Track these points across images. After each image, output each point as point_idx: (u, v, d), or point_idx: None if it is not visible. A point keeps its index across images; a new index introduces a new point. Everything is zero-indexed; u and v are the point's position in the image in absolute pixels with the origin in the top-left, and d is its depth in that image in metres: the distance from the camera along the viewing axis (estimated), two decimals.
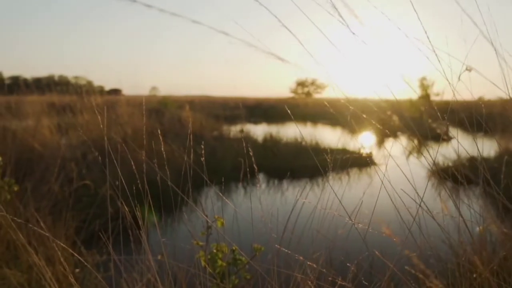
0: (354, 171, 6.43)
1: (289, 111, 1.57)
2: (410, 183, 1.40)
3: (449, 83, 1.28)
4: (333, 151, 1.58)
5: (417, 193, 1.36)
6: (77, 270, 2.37)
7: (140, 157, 1.43)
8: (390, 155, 1.46)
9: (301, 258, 1.36)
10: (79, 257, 1.42)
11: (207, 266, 1.35)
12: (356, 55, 1.28)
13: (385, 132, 1.56)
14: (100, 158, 1.69)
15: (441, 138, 1.62)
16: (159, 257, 1.34)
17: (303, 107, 21.97)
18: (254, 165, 1.57)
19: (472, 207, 1.59)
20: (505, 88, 1.34)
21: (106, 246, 1.35)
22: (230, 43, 0.99)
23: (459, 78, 1.23)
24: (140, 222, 1.31)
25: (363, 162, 6.53)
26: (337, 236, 1.53)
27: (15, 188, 2.57)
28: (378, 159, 5.97)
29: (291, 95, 50.31)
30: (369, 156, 6.53)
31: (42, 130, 5.11)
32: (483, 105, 1.52)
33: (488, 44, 1.27)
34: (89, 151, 4.62)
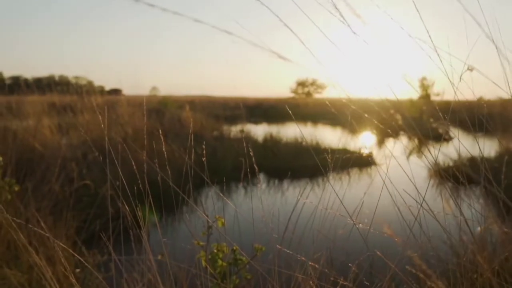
0: (355, 171, 6.42)
1: (290, 111, 1.57)
2: (412, 183, 1.40)
3: (451, 82, 1.27)
4: (333, 151, 1.58)
5: (418, 192, 1.36)
6: (77, 270, 2.37)
7: (141, 157, 1.42)
8: (392, 154, 1.46)
9: (302, 258, 1.36)
10: (80, 258, 1.41)
11: (207, 266, 1.35)
12: (357, 55, 1.28)
13: (386, 132, 1.56)
14: (100, 158, 1.69)
15: (443, 138, 1.62)
16: (159, 257, 1.34)
17: (303, 107, 21.97)
18: (255, 165, 1.57)
19: (473, 207, 1.59)
20: (506, 88, 1.33)
21: (107, 246, 1.35)
22: (233, 42, 0.99)
23: (460, 77, 1.22)
24: (141, 222, 1.31)
25: (363, 162, 6.53)
26: (338, 236, 1.53)
27: (16, 188, 2.57)
28: (379, 159, 5.97)
29: (292, 95, 50.37)
30: (370, 156, 6.52)
31: (43, 130, 5.11)
32: (485, 105, 1.52)
33: (489, 43, 1.26)
34: (89, 151, 4.62)
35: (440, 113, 1.47)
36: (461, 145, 1.47)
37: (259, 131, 9.60)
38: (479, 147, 1.44)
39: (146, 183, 1.32)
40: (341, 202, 1.38)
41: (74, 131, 5.76)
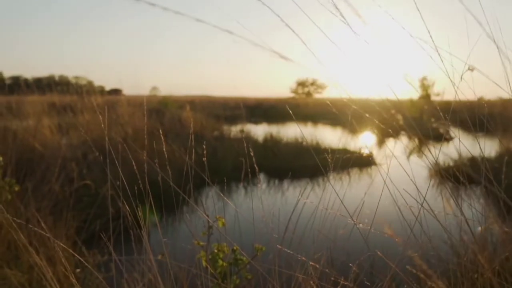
0: (355, 171, 6.42)
1: (291, 111, 1.57)
2: (413, 182, 1.40)
3: (452, 82, 1.27)
4: (334, 151, 1.58)
5: (419, 192, 1.36)
6: (78, 270, 2.37)
7: (141, 157, 1.42)
8: (393, 154, 1.46)
9: (303, 258, 1.36)
10: (80, 258, 1.41)
11: (208, 266, 1.35)
12: (358, 55, 1.28)
13: (387, 132, 1.56)
14: (101, 158, 1.69)
15: (443, 137, 1.62)
16: (159, 257, 1.33)
17: (303, 107, 21.97)
18: (255, 165, 1.57)
19: (473, 206, 1.59)
20: (507, 87, 1.33)
21: (107, 246, 1.35)
22: (234, 42, 0.99)
23: (461, 77, 1.22)
24: (141, 222, 1.31)
25: (364, 162, 6.54)
26: (338, 236, 1.53)
27: (16, 188, 2.57)
28: (379, 159, 5.97)
29: (292, 95, 50.36)
30: (370, 156, 6.52)
31: (43, 130, 5.11)
32: (486, 105, 1.52)
33: (489, 43, 1.26)
34: (89, 151, 4.62)
35: (441, 113, 1.47)
36: (462, 145, 1.47)
37: (259, 131, 9.60)
38: (480, 147, 1.44)
39: (147, 183, 1.32)
40: (341, 202, 1.38)
41: (74, 131, 5.76)
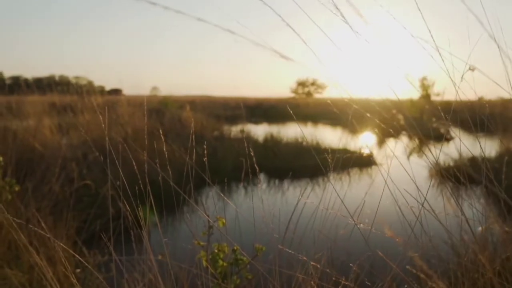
0: (355, 171, 6.42)
1: (291, 111, 1.57)
2: (414, 182, 1.40)
3: (453, 82, 1.27)
4: (334, 151, 1.58)
5: (420, 192, 1.36)
6: (78, 270, 2.37)
7: (141, 157, 1.42)
8: (394, 154, 1.46)
9: (304, 258, 1.36)
10: (80, 258, 1.41)
11: (208, 266, 1.35)
12: (358, 54, 1.27)
13: (387, 132, 1.55)
14: (101, 158, 1.69)
15: (444, 137, 1.61)
16: (159, 256, 1.33)
17: (303, 107, 21.96)
18: (255, 165, 1.57)
19: (474, 206, 1.58)
20: (508, 87, 1.33)
21: (107, 246, 1.35)
22: (235, 41, 0.99)
23: (462, 77, 1.22)
24: (142, 222, 1.31)
25: (364, 162, 6.53)
26: (339, 236, 1.52)
27: (16, 188, 2.57)
28: (380, 159, 5.97)
29: (292, 95, 50.34)
30: (371, 155, 6.52)
31: (43, 130, 5.11)
32: (487, 105, 1.52)
33: (489, 43, 1.26)
34: (90, 151, 4.62)
35: (442, 113, 1.47)
36: (462, 145, 1.46)
37: (260, 131, 9.60)
38: (480, 147, 1.44)
39: (147, 183, 1.32)
40: (342, 202, 1.38)
41: (74, 131, 5.76)
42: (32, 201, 2.95)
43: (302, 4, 1.19)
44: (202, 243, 1.38)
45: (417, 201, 1.35)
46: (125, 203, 1.35)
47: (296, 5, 1.17)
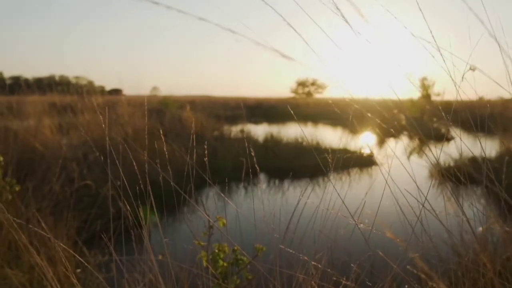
0: (356, 171, 6.42)
1: (292, 111, 1.57)
2: (415, 182, 1.40)
3: (454, 82, 1.27)
4: (334, 151, 1.58)
5: (421, 192, 1.36)
6: (78, 270, 2.37)
7: (142, 157, 1.42)
8: (394, 154, 1.46)
9: (305, 258, 1.36)
10: (81, 258, 1.41)
11: (209, 266, 1.35)
12: (359, 54, 1.27)
13: (387, 132, 1.55)
14: (101, 158, 1.69)
15: (445, 137, 1.61)
16: (160, 257, 1.33)
17: (304, 107, 21.96)
18: (256, 165, 1.57)
19: (475, 206, 1.58)
20: (509, 87, 1.33)
21: (108, 246, 1.35)
22: (237, 41, 0.98)
23: (462, 77, 1.22)
24: (142, 222, 1.31)
25: (365, 161, 6.53)
26: (339, 236, 1.52)
27: (17, 188, 2.57)
28: (380, 159, 5.96)
29: (292, 95, 50.34)
30: (371, 155, 6.52)
31: (43, 130, 5.11)
32: (488, 105, 1.51)
33: (490, 43, 1.26)
34: (90, 151, 4.62)
35: (442, 113, 1.46)
36: (463, 145, 1.46)
37: (260, 131, 9.60)
38: (481, 147, 1.44)
39: (148, 183, 1.32)
40: (343, 202, 1.38)
41: (74, 131, 5.76)
42: (32, 201, 2.95)
43: (302, 3, 1.19)
44: (202, 243, 1.38)
45: (418, 200, 1.34)
46: (126, 203, 1.35)
47: (296, 4, 1.17)
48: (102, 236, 1.47)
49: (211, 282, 1.33)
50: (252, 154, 1.53)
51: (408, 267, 1.42)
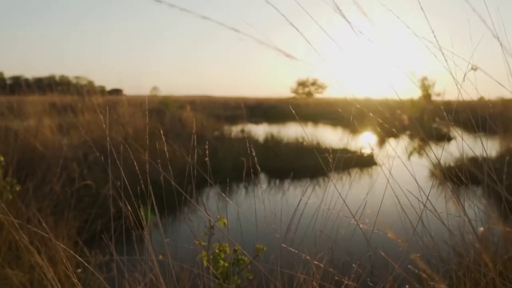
0: (356, 171, 6.41)
1: (293, 111, 1.57)
2: (416, 182, 1.40)
3: (456, 81, 1.27)
4: (335, 151, 1.57)
5: (423, 192, 1.36)
6: (79, 270, 2.37)
7: (142, 157, 1.42)
8: (396, 154, 1.45)
9: (308, 257, 1.35)
10: (81, 258, 1.41)
11: (209, 266, 1.35)
12: (361, 54, 1.27)
13: (388, 132, 1.55)
14: (102, 158, 1.69)
15: (446, 137, 1.61)
16: (160, 257, 1.33)
17: (304, 107, 21.97)
18: (257, 165, 1.56)
19: (476, 205, 1.58)
20: (510, 87, 1.33)
21: (108, 246, 1.35)
22: (240, 40, 0.98)
23: (464, 77, 1.22)
24: (143, 222, 1.30)
25: (365, 162, 6.53)
26: (340, 236, 1.52)
27: (17, 188, 2.57)
28: (381, 159, 5.96)
29: (292, 95, 50.34)
30: (372, 155, 6.52)
31: (44, 130, 5.11)
32: (490, 105, 1.51)
33: (491, 43, 1.26)
34: (90, 151, 4.62)
35: (444, 113, 1.46)
36: (463, 145, 1.46)
37: (260, 131, 9.60)
38: (483, 147, 1.44)
39: (149, 183, 1.32)
40: (344, 202, 1.37)
41: (75, 131, 5.76)
42: (33, 201, 2.95)
43: (303, 3, 1.19)
44: (203, 243, 1.38)
45: (419, 200, 1.34)
46: (126, 203, 1.35)
47: (296, 4, 1.17)
48: (103, 236, 1.47)
49: (212, 282, 1.33)
50: (253, 154, 1.53)
51: (409, 267, 1.42)
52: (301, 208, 1.41)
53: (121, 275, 1.43)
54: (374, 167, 6.58)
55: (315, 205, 1.45)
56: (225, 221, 1.39)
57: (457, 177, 1.58)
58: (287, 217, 1.43)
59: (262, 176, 5.98)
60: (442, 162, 1.46)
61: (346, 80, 1.25)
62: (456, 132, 1.48)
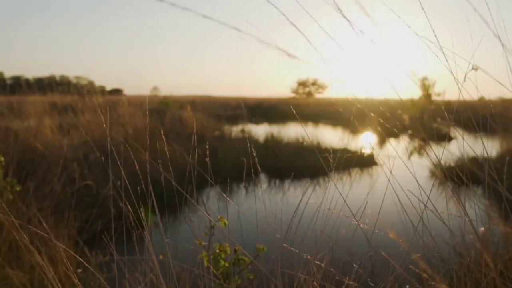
0: (357, 171, 6.41)
1: (294, 111, 1.57)
2: (417, 182, 1.39)
3: (457, 82, 1.27)
4: (335, 151, 1.57)
5: (424, 192, 1.35)
6: (79, 270, 2.37)
7: (143, 157, 1.42)
8: (397, 154, 1.45)
9: (308, 257, 1.35)
10: (81, 258, 1.41)
11: (210, 266, 1.35)
12: (361, 53, 1.27)
13: (389, 132, 1.55)
14: (102, 158, 1.69)
15: (447, 137, 1.61)
16: (161, 257, 1.33)
17: (304, 107, 21.96)
18: (258, 165, 1.56)
19: (477, 205, 1.58)
20: (510, 87, 1.33)
21: (109, 246, 1.35)
22: (241, 39, 0.98)
23: (465, 77, 1.22)
24: (143, 222, 1.30)
25: (366, 161, 6.53)
26: (340, 236, 1.52)
27: (18, 188, 2.57)
28: (382, 159, 5.95)
29: (292, 95, 50.34)
30: (372, 155, 6.52)
31: (44, 130, 5.11)
32: (491, 105, 1.51)
33: (492, 42, 1.26)
34: (91, 151, 4.62)
35: (445, 113, 1.46)
36: (464, 145, 1.46)
37: (260, 131, 9.60)
38: (483, 147, 1.44)
39: (149, 183, 1.32)
40: (344, 201, 1.37)
41: (75, 131, 5.76)
42: (33, 201, 2.95)
43: (304, 3, 1.19)
44: (203, 243, 1.37)
45: (419, 200, 1.34)
46: (127, 203, 1.35)
47: (297, 3, 1.17)
48: (103, 236, 1.47)
49: (212, 282, 1.33)
50: (254, 154, 1.53)
51: (410, 267, 1.42)
52: (302, 208, 1.41)
53: (122, 275, 1.43)
54: (374, 167, 6.58)
55: (315, 205, 1.44)
56: (226, 221, 1.39)
57: (457, 177, 1.57)
58: (287, 217, 1.43)
59: (263, 176, 5.98)
60: (442, 162, 1.46)
61: (346, 79, 1.25)
62: (456, 132, 1.48)
